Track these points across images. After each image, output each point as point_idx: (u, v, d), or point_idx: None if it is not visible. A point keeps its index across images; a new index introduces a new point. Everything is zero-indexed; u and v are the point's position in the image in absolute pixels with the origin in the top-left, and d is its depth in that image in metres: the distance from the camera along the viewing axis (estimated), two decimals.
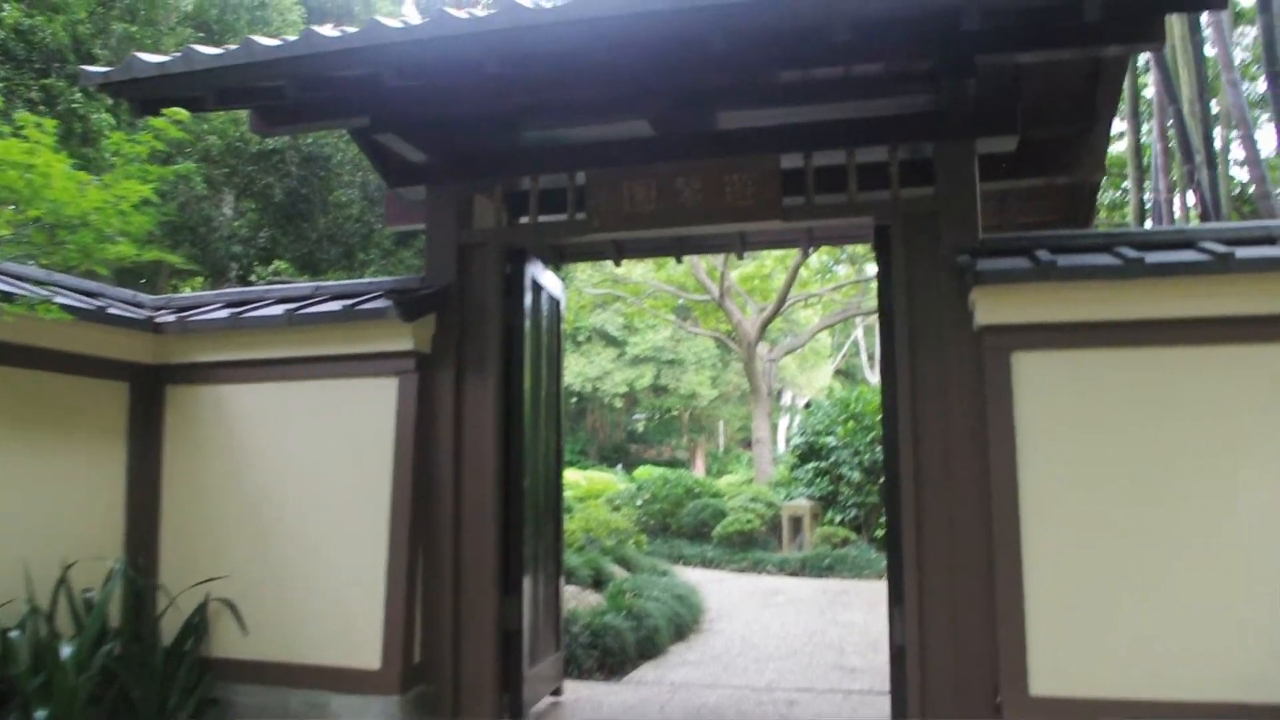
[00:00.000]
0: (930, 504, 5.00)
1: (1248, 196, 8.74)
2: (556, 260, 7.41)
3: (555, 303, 6.73)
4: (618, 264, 7.60)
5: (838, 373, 47.77)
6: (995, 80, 5.25)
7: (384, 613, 5.34)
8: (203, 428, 5.98)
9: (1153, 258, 4.51)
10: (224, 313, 5.91)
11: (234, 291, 6.53)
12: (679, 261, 7.33)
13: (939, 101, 5.12)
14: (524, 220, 6.16)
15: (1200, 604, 4.43)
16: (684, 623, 9.07)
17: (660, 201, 5.45)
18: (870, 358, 48.17)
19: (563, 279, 13.73)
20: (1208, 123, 7.18)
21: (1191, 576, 4.47)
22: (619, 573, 10.27)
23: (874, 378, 46.92)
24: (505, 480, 5.75)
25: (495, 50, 4.29)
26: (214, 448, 5.93)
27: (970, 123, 5.12)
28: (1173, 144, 7.84)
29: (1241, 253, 4.45)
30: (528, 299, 6.00)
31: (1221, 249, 4.50)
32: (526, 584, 5.84)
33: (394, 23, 4.40)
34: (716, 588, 11.85)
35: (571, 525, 10.85)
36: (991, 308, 4.81)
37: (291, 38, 4.67)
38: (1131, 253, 4.60)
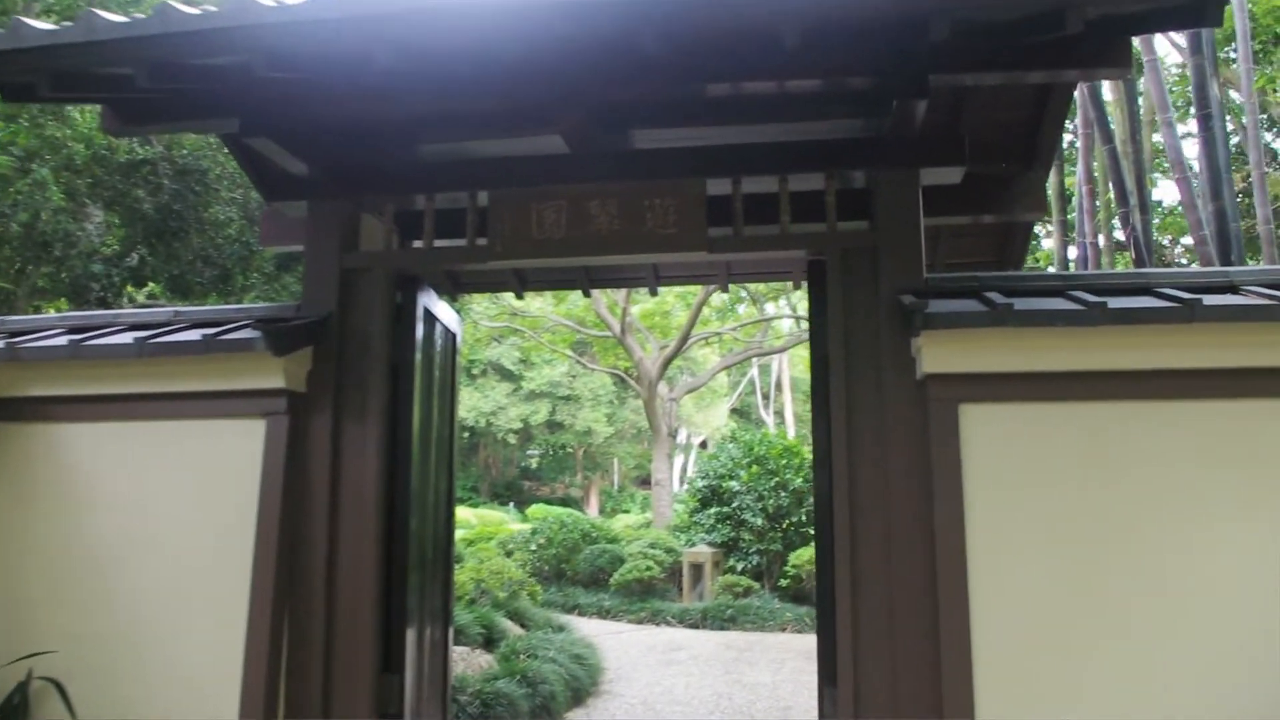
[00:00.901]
0: (868, 568, 4.48)
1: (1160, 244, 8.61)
2: (453, 290, 6.74)
3: (450, 336, 6.06)
4: (520, 296, 6.97)
5: (733, 411, 47.86)
6: (941, 106, 4.83)
7: (240, 695, 4.57)
8: (34, 473, 5.12)
9: (1115, 303, 4.11)
10: (63, 339, 5.08)
11: (78, 315, 5.67)
12: (586, 295, 6.71)
13: (881, 126, 4.67)
14: (418, 244, 5.50)
15: (1169, 675, 4.01)
16: (581, 686, 8.39)
17: (572, 227, 4.86)
18: (765, 397, 48.47)
19: (458, 311, 13.01)
20: (1140, 165, 7.00)
21: (1159, 647, 4.04)
22: (512, 629, 9.54)
23: (769, 416, 47.35)
24: (389, 537, 5.04)
25: (388, 39, 3.66)
26: (47, 496, 5.07)
27: (915, 151, 4.69)
28: (1099, 186, 7.68)
29: (1209, 300, 4.08)
30: (419, 331, 5.32)
31: (1187, 295, 4.13)
32: (410, 653, 5.11)
33: (269, 1, 3.72)
34: (615, 642, 11.19)
35: (462, 575, 10.10)
36: (939, 355, 4.34)
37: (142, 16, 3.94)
38: (1091, 297, 4.19)
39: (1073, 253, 8.82)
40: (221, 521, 4.82)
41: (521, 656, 8.21)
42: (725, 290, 7.00)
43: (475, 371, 41.36)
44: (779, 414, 47.91)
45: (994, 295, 4.37)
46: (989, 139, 5.35)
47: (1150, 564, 4.12)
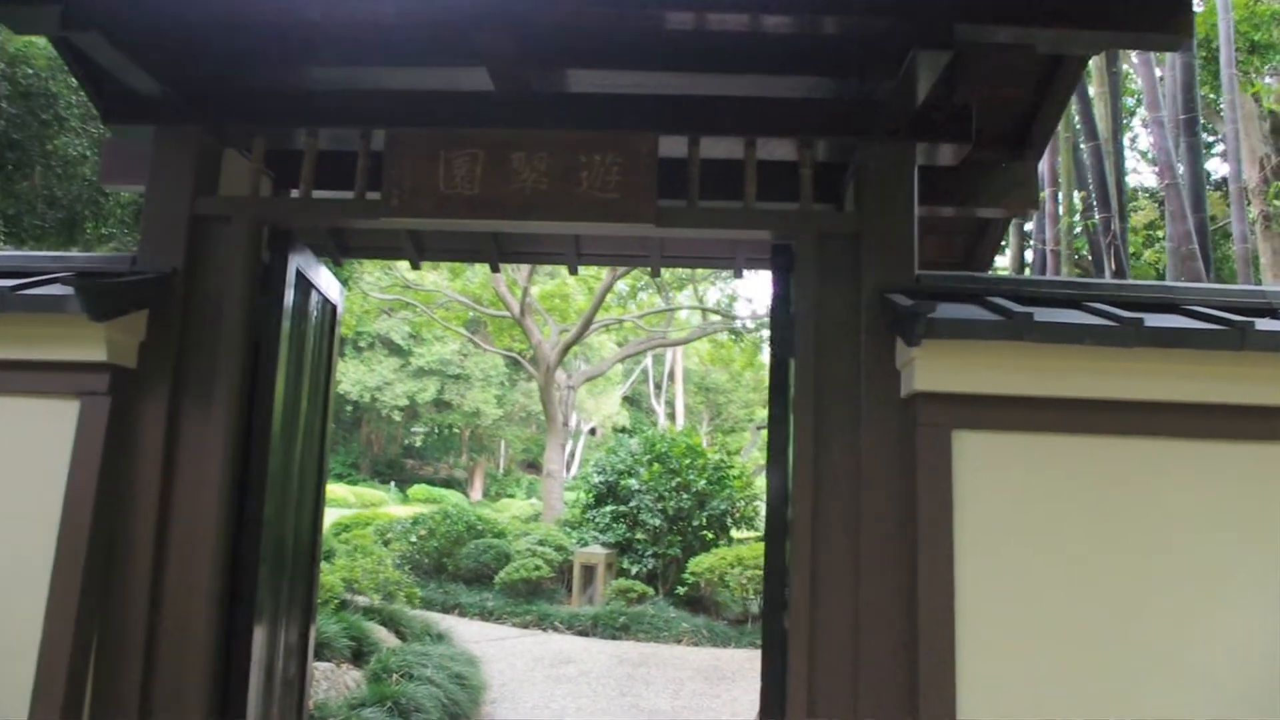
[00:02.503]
0: (830, 610, 3.70)
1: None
2: (336, 254, 5.68)
3: (330, 307, 5.04)
4: (415, 266, 5.95)
5: (624, 399, 47.26)
6: (944, 71, 4.03)
7: None
8: None
9: (1152, 321, 3.36)
10: None
11: None
12: (495, 269, 5.75)
13: (874, 90, 3.85)
14: (295, 193, 4.45)
15: None
16: (460, 710, 7.42)
17: (488, 183, 3.91)
18: (657, 386, 47.94)
19: (344, 280, 11.82)
20: (1120, 167, 6.38)
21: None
22: (386, 638, 8.49)
23: (660, 406, 46.87)
24: (236, 548, 4.03)
25: None
26: None
27: (914, 121, 3.87)
28: (1061, 188, 7.06)
29: (1261, 325, 3.37)
30: (289, 298, 4.30)
31: (1233, 318, 3.41)
32: (256, 680, 4.13)
33: None
34: (499, 651, 10.24)
35: (332, 576, 8.98)
36: (934, 369, 3.54)
37: None
38: (1119, 312, 3.44)
39: (1026, 258, 8.27)
40: (14, 532, 3.74)
41: (394, 676, 7.20)
42: (656, 275, 6.02)
43: (362, 344, 39.73)
44: (670, 404, 47.54)
45: (1001, 301, 3.58)
46: (980, 119, 4.59)
47: (1187, 657, 3.41)
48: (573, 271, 5.82)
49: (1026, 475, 3.55)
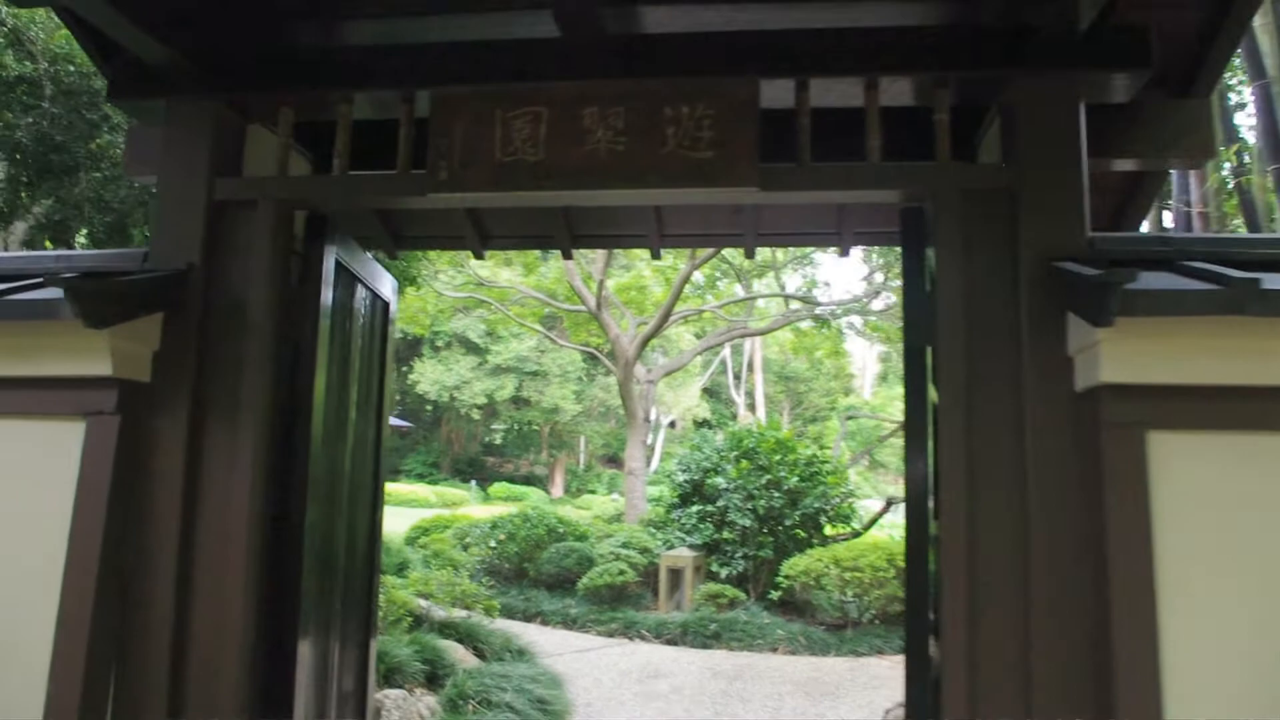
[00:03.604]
0: (993, 645, 2.98)
1: None
2: (390, 245, 5.08)
3: (381, 304, 4.44)
4: (479, 255, 5.30)
5: (704, 391, 46.58)
6: None
7: None
8: None
9: None
10: None
11: None
12: (567, 257, 5.06)
13: (1025, 8, 3.08)
14: (333, 171, 3.83)
15: None
16: None
17: (554, 146, 3.24)
18: (736, 377, 47.10)
19: (413, 278, 11.29)
20: None
21: None
22: (463, 657, 7.93)
23: (739, 397, 46.07)
24: (276, 569, 3.44)
25: None
26: None
27: (1081, 47, 3.09)
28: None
29: None
30: (329, 293, 3.70)
31: None
32: (305, 715, 3.54)
33: None
34: (583, 665, 9.62)
35: (402, 592, 8.37)
36: (1127, 356, 2.78)
37: None
38: None
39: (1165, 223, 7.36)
40: (19, 569, 3.19)
41: (472, 703, 6.63)
42: (750, 255, 5.28)
43: (439, 344, 39.69)
44: (750, 394, 46.76)
45: (1208, 267, 2.79)
46: None
47: None
48: (655, 255, 5.13)
49: (1246, 487, 2.77)
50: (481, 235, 5.04)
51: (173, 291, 3.29)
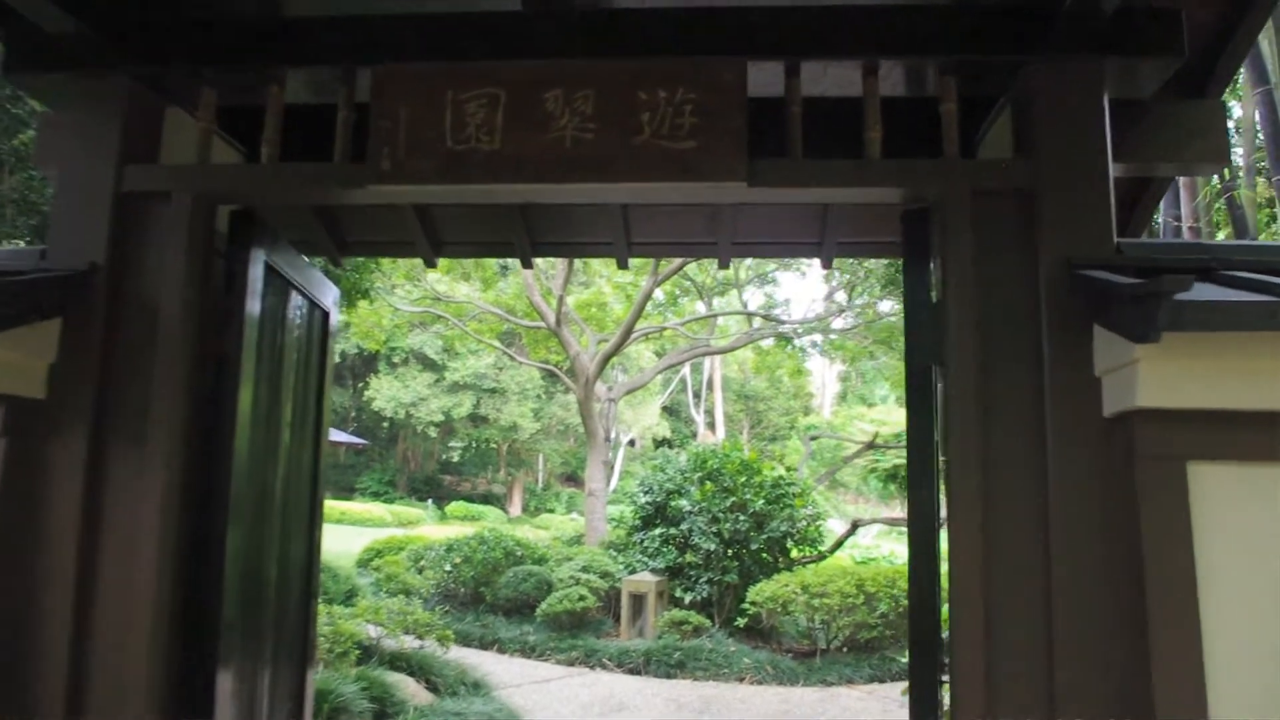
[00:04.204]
0: (1012, 689, 2.62)
1: None
2: (333, 250, 4.64)
3: (320, 315, 4.01)
4: (430, 263, 4.87)
5: (663, 409, 46.31)
6: None
7: None
8: None
9: None
10: None
11: None
12: (525, 265, 4.63)
13: None
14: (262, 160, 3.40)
15: None
16: None
17: (513, 133, 2.85)
18: (696, 395, 46.83)
19: (364, 291, 10.82)
20: None
21: None
22: (415, 693, 7.44)
23: (699, 416, 45.82)
24: (198, 609, 3.00)
25: None
26: None
27: (1108, 31, 2.76)
28: None
29: None
30: (257, 300, 3.26)
31: None
32: None
33: None
34: (541, 697, 9.16)
35: (349, 625, 7.79)
36: (1167, 376, 2.43)
37: None
38: None
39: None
40: None
41: None
42: (726, 266, 4.86)
43: (396, 360, 39.06)
44: (709, 413, 46.57)
45: (1257, 277, 2.46)
46: None
47: None
48: (622, 265, 4.74)
49: None
50: (433, 241, 4.62)
51: (72, 295, 2.85)
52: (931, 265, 3.06)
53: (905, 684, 9.91)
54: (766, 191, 2.89)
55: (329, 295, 4.07)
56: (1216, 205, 6.34)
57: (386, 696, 6.86)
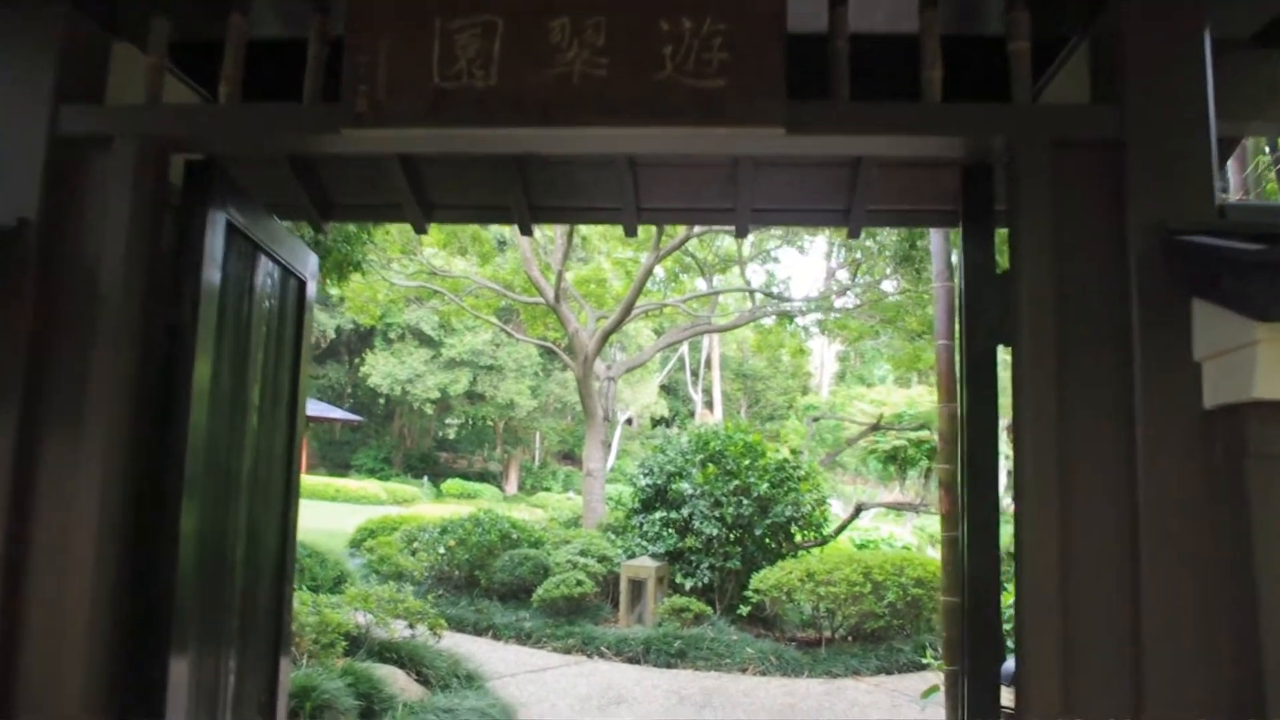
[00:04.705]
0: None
1: None
2: (315, 215, 4.20)
3: (296, 283, 3.60)
4: (420, 229, 4.45)
5: (661, 388, 46.04)
6: None
7: None
8: None
9: None
10: None
11: None
12: (524, 232, 4.20)
13: None
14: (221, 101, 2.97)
15: None
16: None
17: (511, 68, 2.43)
18: (694, 374, 46.50)
19: (356, 263, 10.38)
20: None
21: None
22: (405, 687, 7.08)
23: (697, 395, 45.54)
24: (150, 596, 2.61)
25: None
26: None
27: None
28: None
29: None
30: (216, 265, 2.84)
31: None
32: None
33: None
34: (537, 689, 8.80)
35: (335, 615, 7.38)
36: None
37: None
38: None
39: None
40: None
41: None
42: (743, 236, 4.43)
43: (392, 336, 38.67)
44: (707, 392, 46.31)
45: None
46: None
47: None
48: (630, 232, 4.31)
49: None
50: (423, 204, 4.19)
51: None
52: (991, 230, 2.65)
53: (915, 676, 9.60)
54: (806, 140, 2.48)
55: (306, 263, 3.66)
56: (1268, 177, 5.93)
57: (374, 692, 6.49)
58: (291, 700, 5.78)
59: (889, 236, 13.84)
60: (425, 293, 21.38)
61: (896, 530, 21.92)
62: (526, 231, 4.47)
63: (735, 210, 4.16)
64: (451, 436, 43.62)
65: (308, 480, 30.61)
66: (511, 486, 40.57)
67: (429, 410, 39.14)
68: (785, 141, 2.44)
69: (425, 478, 37.47)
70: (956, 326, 3.31)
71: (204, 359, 2.76)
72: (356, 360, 40.27)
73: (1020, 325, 2.35)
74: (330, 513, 23.99)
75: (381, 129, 2.47)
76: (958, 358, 2.69)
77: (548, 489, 39.37)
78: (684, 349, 45.23)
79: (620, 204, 4.13)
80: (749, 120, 2.35)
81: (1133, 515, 2.25)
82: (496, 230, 22.90)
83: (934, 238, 5.95)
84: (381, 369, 37.64)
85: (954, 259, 5.79)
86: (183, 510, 2.65)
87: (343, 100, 2.49)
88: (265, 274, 3.27)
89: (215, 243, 2.81)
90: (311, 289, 3.72)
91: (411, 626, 8.36)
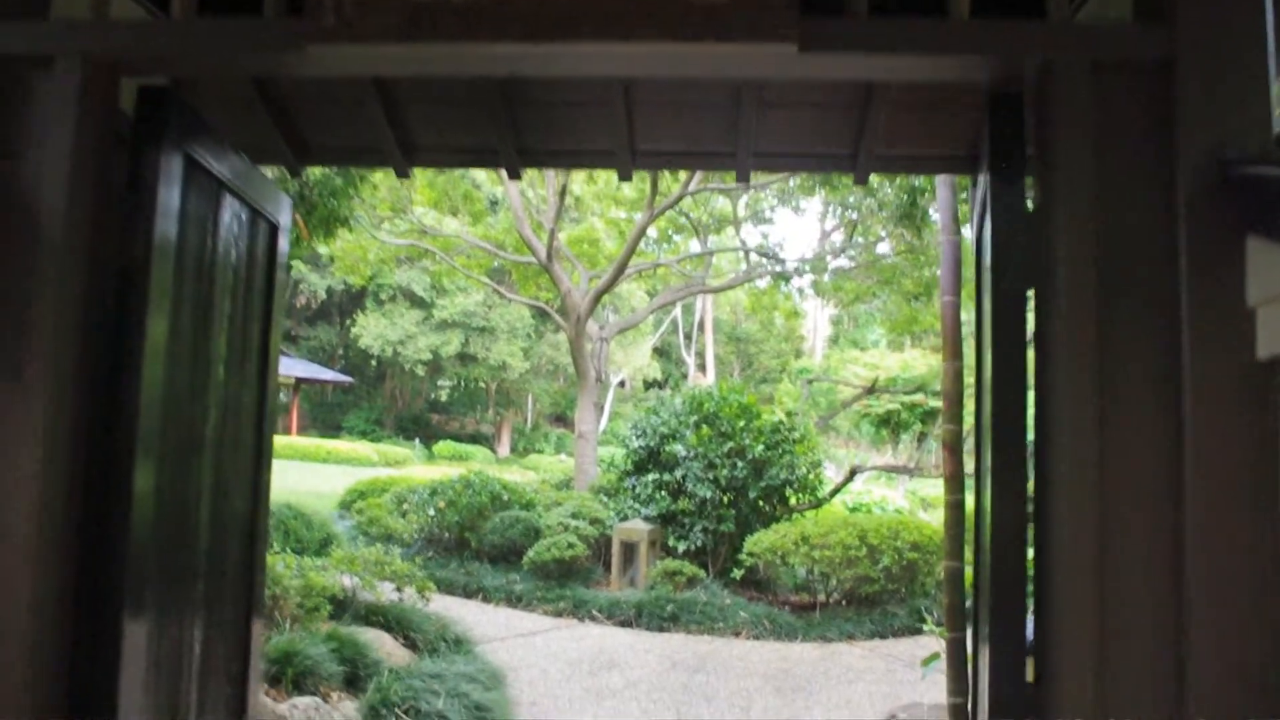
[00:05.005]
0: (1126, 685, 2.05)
1: None
2: (291, 158, 3.95)
3: (266, 226, 3.36)
4: (402, 173, 4.19)
5: (654, 350, 45.92)
6: None
7: None
8: None
9: None
10: None
11: None
12: (512, 175, 3.95)
13: None
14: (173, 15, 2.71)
15: None
16: None
17: None
18: (687, 337, 46.34)
19: (344, 219, 10.09)
20: None
21: None
22: (392, 651, 6.91)
23: (690, 358, 45.40)
24: (100, 562, 2.41)
25: None
26: None
27: None
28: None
29: None
30: (171, 203, 2.60)
31: None
32: None
33: None
34: (527, 653, 8.66)
35: (320, 578, 7.14)
36: None
37: None
38: None
39: None
40: None
41: (399, 710, 5.63)
42: (745, 180, 4.17)
43: (383, 297, 38.40)
44: (700, 355, 46.22)
45: None
46: None
47: None
48: (624, 177, 4.07)
49: None
50: (405, 146, 3.95)
51: None
52: (1021, 162, 2.42)
53: (910, 641, 9.47)
54: (819, 61, 2.24)
55: (279, 206, 3.41)
56: None
57: (360, 657, 6.31)
58: (273, 666, 5.61)
59: (887, 195, 13.60)
60: (416, 251, 21.08)
61: (889, 494, 21.85)
62: (515, 175, 4.23)
63: (736, 154, 3.93)
64: (443, 398, 43.53)
65: (298, 442, 30.47)
66: (504, 449, 40.51)
67: (420, 372, 38.99)
68: (797, 62, 2.20)
69: (417, 440, 37.36)
70: (977, 276, 3.10)
71: (159, 306, 2.53)
72: (348, 322, 40.02)
73: (1054, 269, 2.13)
74: (321, 474, 23.86)
75: (352, 45, 2.22)
76: (987, 303, 2.47)
77: (540, 451, 39.30)
78: (677, 312, 45.03)
79: (614, 145, 3.89)
80: (758, 35, 2.11)
81: (1178, 475, 2.04)
82: (489, 190, 22.61)
83: (940, 190, 5.71)
84: (373, 330, 37.40)
85: (963, 212, 5.56)
86: (136, 469, 2.43)
87: (307, 13, 2.24)
88: (231, 215, 3.02)
89: (171, 178, 2.56)
90: (285, 234, 3.48)
91: (399, 589, 8.19)
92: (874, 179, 13.22)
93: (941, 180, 5.70)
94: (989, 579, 2.34)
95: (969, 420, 4.49)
